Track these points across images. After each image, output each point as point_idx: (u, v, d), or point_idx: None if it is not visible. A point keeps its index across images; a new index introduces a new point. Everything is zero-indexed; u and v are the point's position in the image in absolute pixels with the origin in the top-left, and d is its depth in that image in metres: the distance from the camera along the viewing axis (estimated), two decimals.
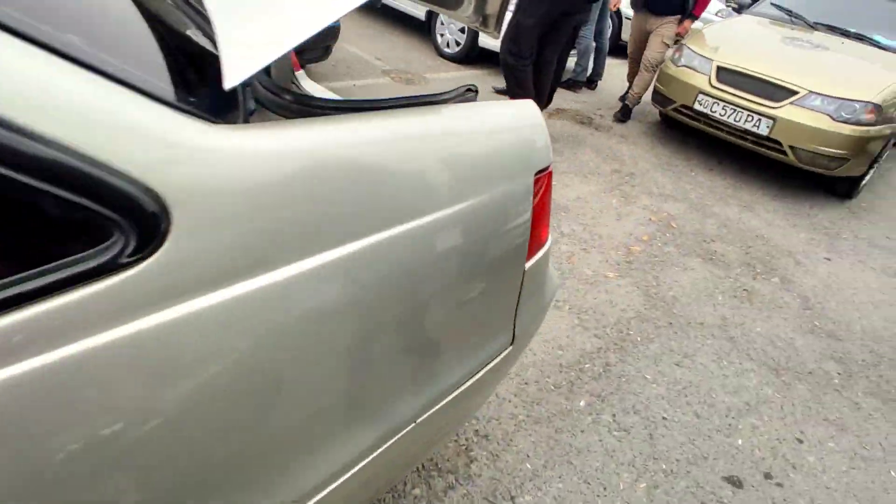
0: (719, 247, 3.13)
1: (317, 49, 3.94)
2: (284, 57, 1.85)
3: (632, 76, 4.81)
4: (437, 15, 5.36)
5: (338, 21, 3.89)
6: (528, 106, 1.02)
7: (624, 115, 4.78)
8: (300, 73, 1.98)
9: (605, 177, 3.70)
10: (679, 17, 4.30)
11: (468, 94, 0.94)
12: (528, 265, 1.00)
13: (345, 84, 4.38)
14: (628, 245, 2.96)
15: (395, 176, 0.76)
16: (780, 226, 3.51)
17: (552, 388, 2.00)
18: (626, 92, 4.87)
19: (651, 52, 4.46)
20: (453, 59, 5.42)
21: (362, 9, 6.56)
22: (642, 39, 4.51)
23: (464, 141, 0.88)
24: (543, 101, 4.13)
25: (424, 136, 0.82)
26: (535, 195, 0.96)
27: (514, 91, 3.88)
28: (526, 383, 2.00)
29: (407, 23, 6.14)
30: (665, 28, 4.35)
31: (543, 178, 0.98)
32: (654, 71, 4.49)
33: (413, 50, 5.59)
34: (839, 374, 2.36)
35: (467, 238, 0.87)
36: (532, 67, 3.90)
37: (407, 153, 0.79)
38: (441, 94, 0.92)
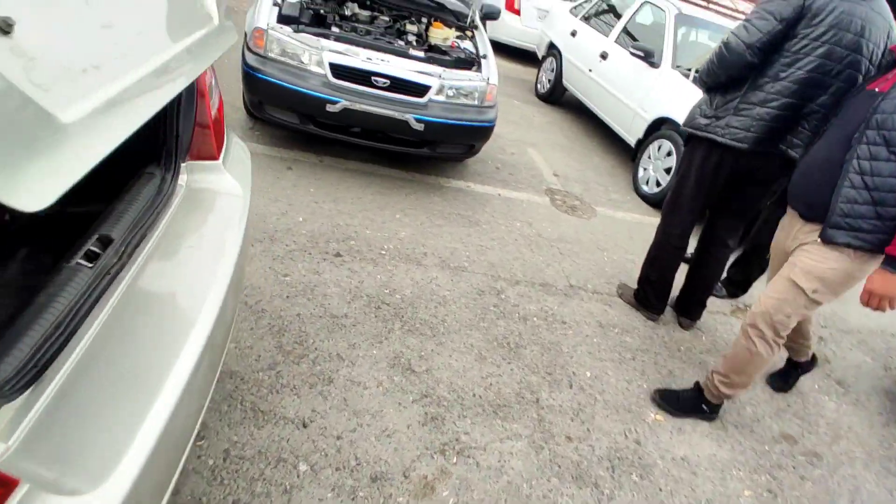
0: None
1: (457, 146, 3.47)
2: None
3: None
4: (648, 146, 4.47)
5: (492, 121, 3.37)
6: None
7: (783, 381, 2.66)
8: (218, 163, 1.45)
9: (757, 444, 2.31)
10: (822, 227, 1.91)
11: None
12: None
13: (487, 190, 3.80)
14: None
15: None
16: None
17: None
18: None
19: (766, 300, 2.08)
20: (648, 199, 4.42)
21: (580, 118, 6.02)
22: (782, 259, 2.20)
23: None
24: (703, 301, 2.93)
25: None
26: None
27: (645, 276, 2.86)
28: None
29: (617, 145, 5.35)
30: (810, 253, 1.97)
31: None
32: (760, 339, 2.09)
33: (607, 176, 4.76)
34: None
35: None
36: (699, 252, 2.83)
37: None
38: None
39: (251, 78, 3.02)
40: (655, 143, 4.38)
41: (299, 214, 2.88)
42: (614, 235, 3.74)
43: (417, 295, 2.55)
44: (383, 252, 2.79)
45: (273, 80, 2.97)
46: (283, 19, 3.16)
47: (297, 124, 3.20)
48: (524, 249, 3.22)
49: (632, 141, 4.76)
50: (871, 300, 1.83)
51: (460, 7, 4.13)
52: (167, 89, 0.81)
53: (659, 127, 4.43)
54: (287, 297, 2.31)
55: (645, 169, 4.51)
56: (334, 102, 2.99)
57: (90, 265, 0.98)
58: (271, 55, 3.02)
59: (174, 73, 0.83)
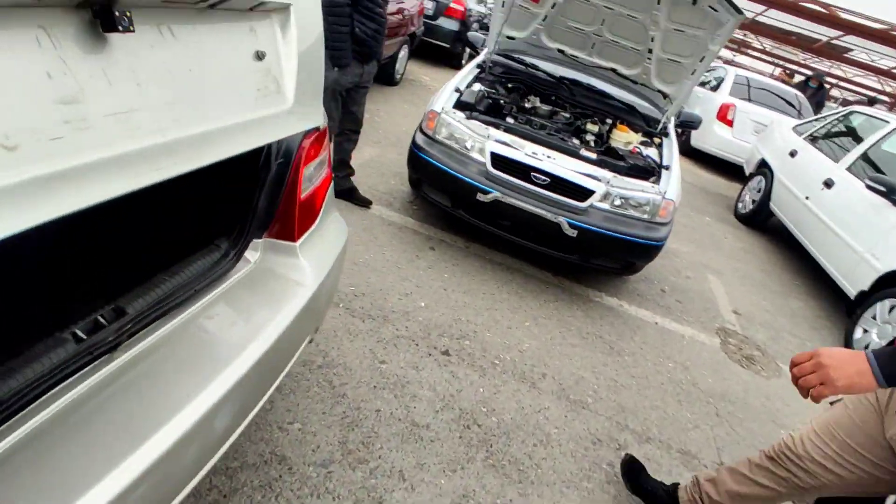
0: None
1: (614, 260, 3.09)
2: None
3: None
4: (874, 303, 3.51)
5: (661, 240, 2.95)
6: None
7: None
8: (294, 245, 1.33)
9: None
10: None
11: None
12: None
13: (643, 315, 3.28)
14: None
15: None
16: None
17: None
18: None
19: None
20: None
21: (783, 250, 5.10)
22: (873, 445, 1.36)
23: None
24: None
25: None
26: None
27: None
28: None
29: (829, 293, 4.34)
30: None
31: None
32: None
33: (807, 328, 3.84)
34: None
35: None
36: None
37: None
38: None
39: (414, 156, 3.07)
40: (886, 302, 3.42)
41: (423, 299, 2.74)
42: (800, 409, 2.90)
43: (518, 424, 2.18)
44: (496, 362, 2.49)
45: (433, 161, 2.97)
46: (460, 105, 3.20)
47: (449, 207, 3.14)
48: (669, 398, 2.64)
49: (852, 292, 3.80)
50: (813, 368, 1.15)
51: (653, 112, 3.82)
52: (136, 177, 0.69)
53: (893, 282, 3.46)
54: (374, 387, 2.14)
55: (866, 330, 3.53)
56: (486, 192, 2.87)
57: (84, 337, 0.89)
58: (438, 137, 3.05)
59: (157, 160, 0.71)
